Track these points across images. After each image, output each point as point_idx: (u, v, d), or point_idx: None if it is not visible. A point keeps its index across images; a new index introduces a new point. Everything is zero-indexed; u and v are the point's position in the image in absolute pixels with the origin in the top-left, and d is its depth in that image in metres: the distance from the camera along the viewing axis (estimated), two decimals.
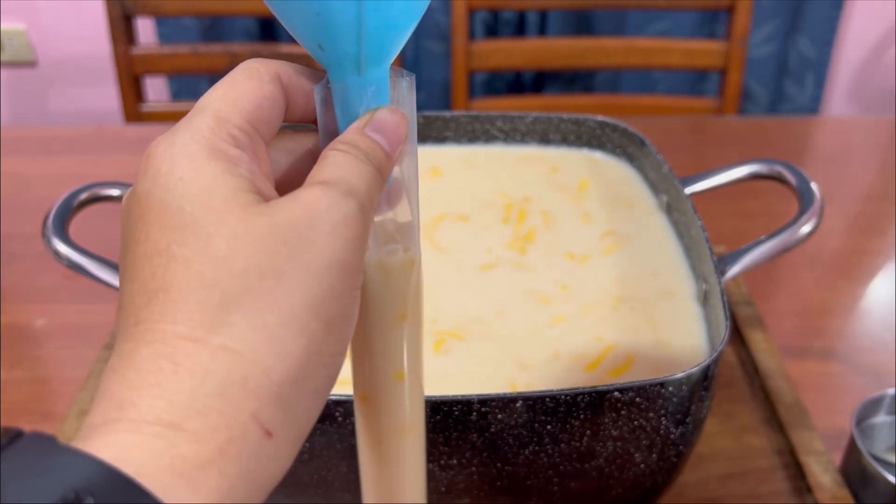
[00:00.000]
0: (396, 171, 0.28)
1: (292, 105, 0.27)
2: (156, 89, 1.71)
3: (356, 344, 0.31)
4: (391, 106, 0.27)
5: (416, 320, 0.32)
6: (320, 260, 0.23)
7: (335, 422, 0.40)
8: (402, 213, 0.29)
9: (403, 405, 0.33)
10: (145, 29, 1.58)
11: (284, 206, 0.23)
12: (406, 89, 0.28)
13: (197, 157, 0.23)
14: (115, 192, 0.56)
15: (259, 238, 0.22)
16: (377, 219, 0.29)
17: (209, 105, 0.25)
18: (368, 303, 0.30)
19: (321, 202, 0.23)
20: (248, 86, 0.25)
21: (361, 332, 0.31)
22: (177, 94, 1.72)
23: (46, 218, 0.51)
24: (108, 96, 1.48)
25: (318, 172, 0.25)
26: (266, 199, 0.24)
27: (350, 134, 0.26)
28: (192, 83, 1.71)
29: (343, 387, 0.47)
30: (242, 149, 0.24)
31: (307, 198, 0.24)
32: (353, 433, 0.40)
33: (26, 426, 0.62)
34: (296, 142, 0.28)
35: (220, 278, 0.22)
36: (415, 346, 0.33)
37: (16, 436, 0.20)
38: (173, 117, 1.29)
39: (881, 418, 0.55)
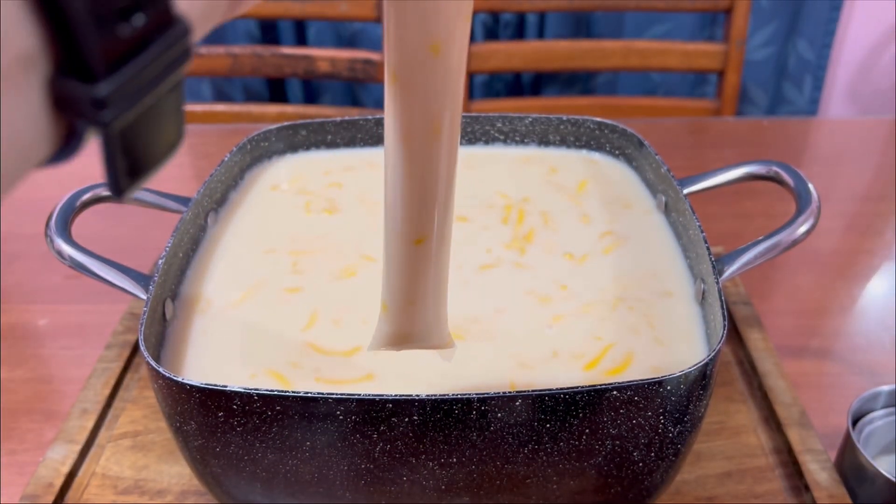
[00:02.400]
0: None
1: None
2: None
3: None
4: None
5: None
6: None
7: (336, 420, 0.40)
8: None
9: (435, 90, 0.27)
10: None
11: None
12: None
13: None
14: None
15: None
16: None
17: None
18: None
19: None
20: None
21: None
22: None
23: (49, 218, 0.52)
24: None
25: None
26: None
27: None
28: (193, 84, 1.72)
29: (339, 386, 0.47)
30: None
31: None
32: (354, 431, 0.41)
33: (29, 425, 0.63)
34: None
35: None
36: (457, 12, 0.27)
37: None
38: None
39: (877, 415, 0.56)
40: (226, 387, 0.40)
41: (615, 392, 0.40)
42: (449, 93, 0.28)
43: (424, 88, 0.27)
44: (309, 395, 0.40)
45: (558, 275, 0.55)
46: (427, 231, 0.33)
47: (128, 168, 0.19)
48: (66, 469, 0.54)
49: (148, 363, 0.42)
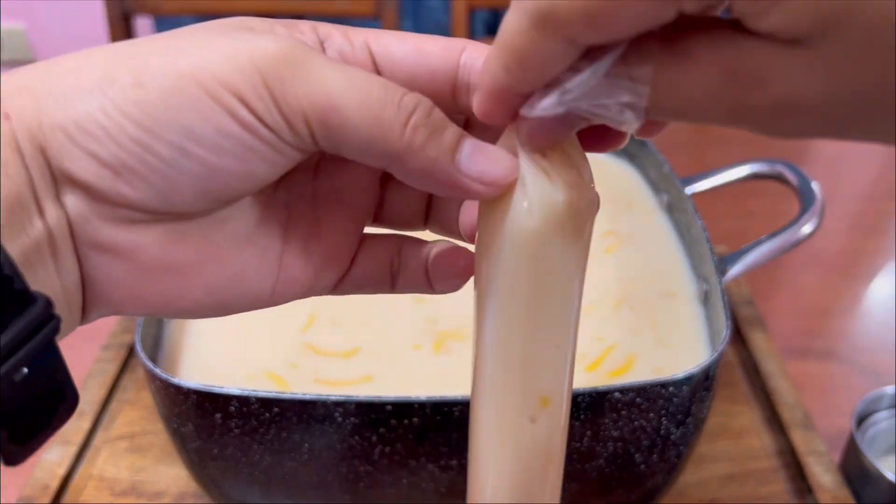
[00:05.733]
0: None
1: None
2: None
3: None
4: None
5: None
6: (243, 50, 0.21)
7: (335, 422, 0.40)
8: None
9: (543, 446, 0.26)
10: (144, 29, 1.58)
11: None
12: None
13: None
14: None
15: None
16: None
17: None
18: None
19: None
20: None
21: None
22: None
23: None
24: None
25: None
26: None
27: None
28: None
29: (338, 387, 0.47)
30: None
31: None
32: (353, 433, 0.40)
33: None
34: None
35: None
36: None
37: None
38: None
39: (881, 416, 0.55)
40: (223, 389, 0.40)
41: (617, 394, 0.40)
42: (560, 446, 0.26)
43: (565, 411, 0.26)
44: (307, 397, 0.39)
45: None
46: None
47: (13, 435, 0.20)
48: (62, 471, 0.53)
49: (144, 365, 0.42)
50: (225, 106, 0.21)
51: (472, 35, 1.29)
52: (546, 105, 0.20)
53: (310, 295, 0.27)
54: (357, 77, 0.21)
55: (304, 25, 0.25)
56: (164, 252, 0.22)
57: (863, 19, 0.17)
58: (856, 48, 0.17)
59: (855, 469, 0.52)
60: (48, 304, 0.20)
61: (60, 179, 0.21)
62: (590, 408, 0.40)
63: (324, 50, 0.25)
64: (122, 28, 1.19)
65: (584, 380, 0.47)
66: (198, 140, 0.21)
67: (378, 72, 0.25)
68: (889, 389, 0.55)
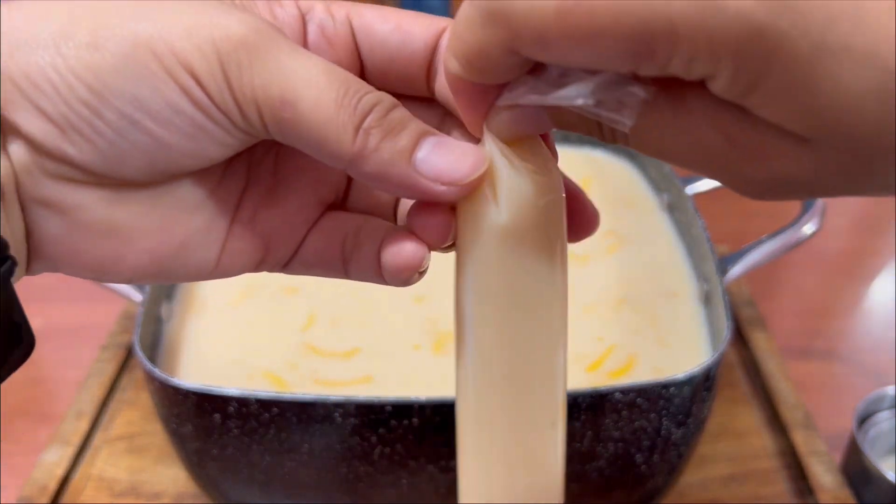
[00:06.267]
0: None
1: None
2: None
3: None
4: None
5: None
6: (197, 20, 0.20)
7: (334, 423, 0.40)
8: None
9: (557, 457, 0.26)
10: None
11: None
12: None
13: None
14: None
15: None
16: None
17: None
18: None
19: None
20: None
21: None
22: None
23: None
24: None
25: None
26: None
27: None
28: None
29: (338, 388, 0.46)
30: None
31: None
32: (353, 433, 0.40)
33: (24, 427, 0.61)
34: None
35: None
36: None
37: None
38: None
39: (882, 417, 0.55)
40: (222, 389, 0.40)
41: (618, 394, 0.40)
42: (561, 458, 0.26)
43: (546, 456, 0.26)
44: (307, 398, 0.39)
45: None
46: None
47: None
48: (60, 472, 0.53)
49: (143, 365, 0.41)
50: (179, 82, 0.20)
51: None
52: (532, 98, 0.19)
53: (259, 270, 0.25)
54: (318, 72, 0.21)
55: None
56: (106, 214, 0.22)
57: (858, 129, 0.16)
58: (853, 151, 0.17)
59: (856, 469, 0.52)
60: (3, 245, 0.20)
61: (6, 128, 0.20)
62: (590, 408, 0.40)
63: (305, 24, 0.24)
64: None
65: (585, 380, 0.46)
66: (148, 112, 0.20)
67: (357, 49, 0.24)
68: (890, 390, 0.55)
